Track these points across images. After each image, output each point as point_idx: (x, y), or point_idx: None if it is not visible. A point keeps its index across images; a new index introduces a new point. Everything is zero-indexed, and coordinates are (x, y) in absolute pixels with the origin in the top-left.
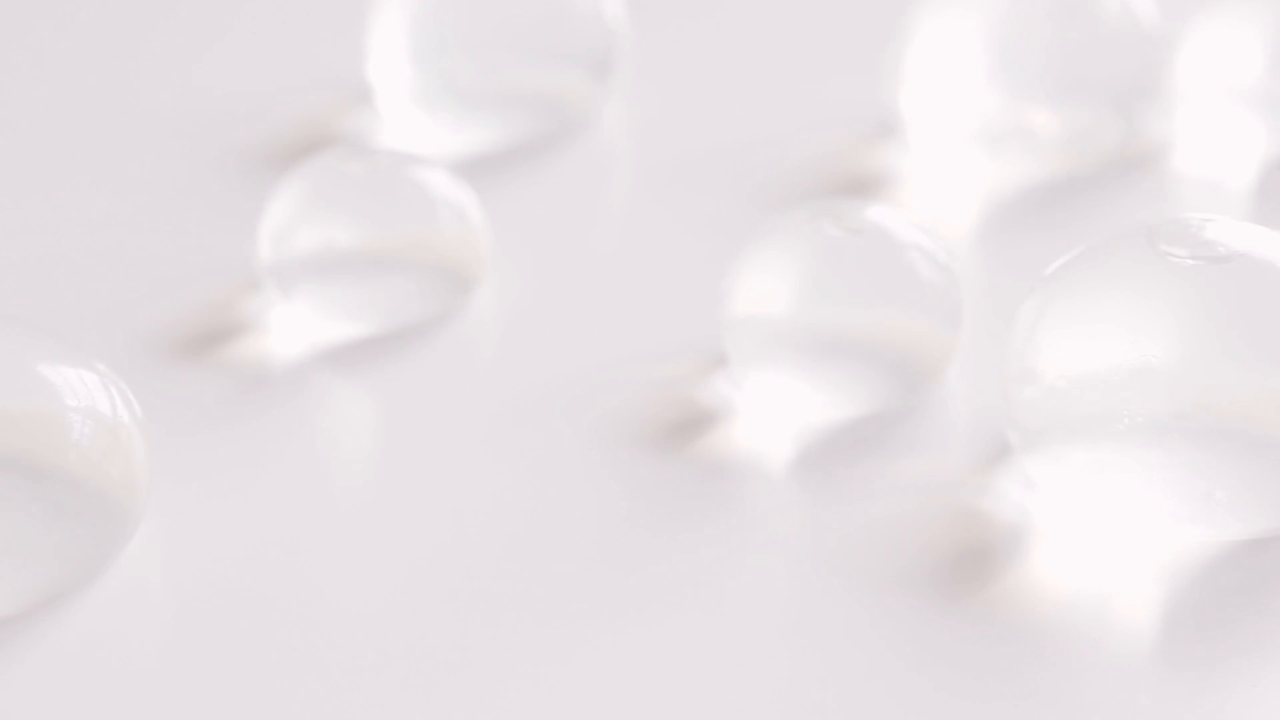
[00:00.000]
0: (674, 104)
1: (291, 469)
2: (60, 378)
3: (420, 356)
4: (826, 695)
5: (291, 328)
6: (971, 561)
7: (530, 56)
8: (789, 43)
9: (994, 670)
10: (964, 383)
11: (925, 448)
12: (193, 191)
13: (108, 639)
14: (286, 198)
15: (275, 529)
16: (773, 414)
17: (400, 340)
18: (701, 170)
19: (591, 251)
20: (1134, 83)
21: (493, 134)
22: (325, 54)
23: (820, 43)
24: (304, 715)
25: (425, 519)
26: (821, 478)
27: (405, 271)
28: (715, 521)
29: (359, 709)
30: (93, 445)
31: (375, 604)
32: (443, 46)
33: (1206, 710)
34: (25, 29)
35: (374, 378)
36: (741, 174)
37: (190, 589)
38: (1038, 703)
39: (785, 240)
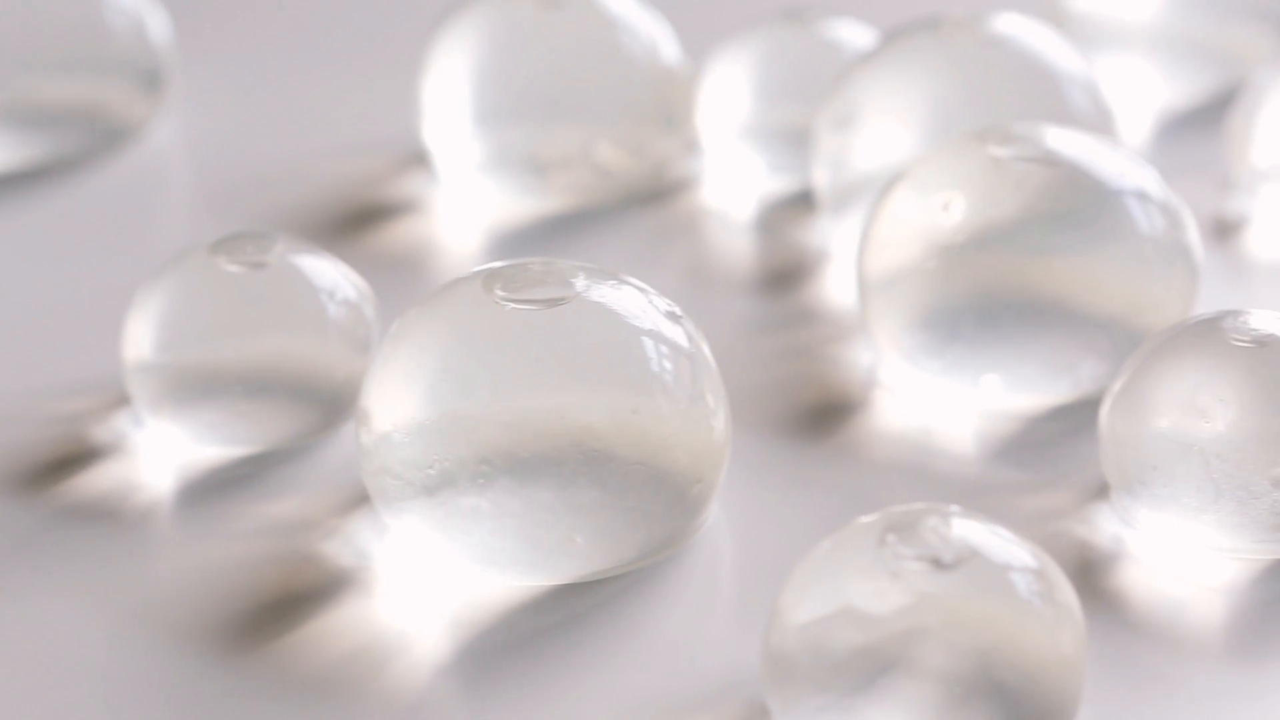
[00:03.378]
0: (219, 125)
1: None
2: None
3: None
4: None
5: None
6: (285, 610)
7: (61, 71)
8: (336, 67)
9: None
10: None
11: (306, 487)
12: None
13: None
14: None
15: None
16: (166, 452)
17: None
18: (235, 193)
19: (48, 277)
20: (654, 118)
21: (29, 150)
22: None
23: (367, 68)
24: None
25: None
26: (187, 519)
27: None
28: (56, 564)
29: None
30: None
31: None
32: None
33: None
34: None
35: None
36: (271, 198)
37: None
38: None
39: (183, 276)
